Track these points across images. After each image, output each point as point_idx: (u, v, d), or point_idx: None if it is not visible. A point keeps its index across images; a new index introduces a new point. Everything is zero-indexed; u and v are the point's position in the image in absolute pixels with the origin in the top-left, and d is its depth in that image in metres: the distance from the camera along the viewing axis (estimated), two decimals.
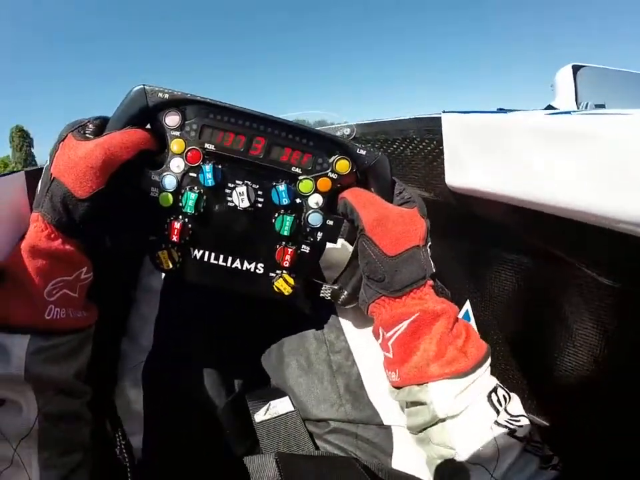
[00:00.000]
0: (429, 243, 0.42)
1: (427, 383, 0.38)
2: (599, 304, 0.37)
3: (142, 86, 0.41)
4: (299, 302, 0.49)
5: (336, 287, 0.47)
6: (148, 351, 0.51)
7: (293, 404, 0.49)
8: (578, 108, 0.61)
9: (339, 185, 0.44)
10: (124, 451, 0.44)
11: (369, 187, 0.44)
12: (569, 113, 0.34)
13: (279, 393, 0.51)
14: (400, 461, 0.46)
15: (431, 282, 0.41)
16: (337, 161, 0.43)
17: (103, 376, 0.51)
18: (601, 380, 0.39)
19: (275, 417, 0.48)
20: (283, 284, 0.45)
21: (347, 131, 0.64)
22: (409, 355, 0.39)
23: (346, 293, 0.47)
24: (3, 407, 0.36)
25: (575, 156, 0.33)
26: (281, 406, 0.49)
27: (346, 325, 0.51)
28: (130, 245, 0.47)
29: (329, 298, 0.48)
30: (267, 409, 0.49)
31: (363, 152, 0.43)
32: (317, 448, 0.47)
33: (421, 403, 0.39)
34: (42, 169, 0.43)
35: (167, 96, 0.41)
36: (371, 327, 0.49)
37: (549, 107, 0.41)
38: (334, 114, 0.66)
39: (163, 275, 0.55)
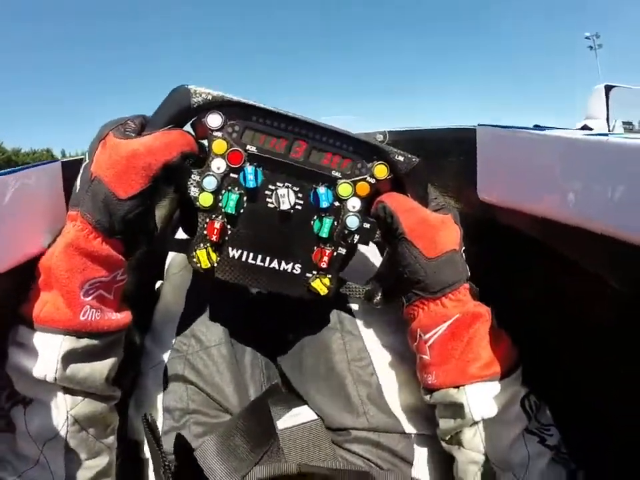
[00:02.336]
0: (464, 248, 0.43)
1: (465, 385, 0.39)
2: (624, 318, 0.38)
3: (186, 86, 0.41)
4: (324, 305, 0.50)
5: (369, 288, 0.48)
6: (170, 349, 0.51)
7: (315, 412, 0.49)
8: (608, 125, 0.62)
9: (376, 190, 0.45)
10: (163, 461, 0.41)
11: (405, 192, 0.45)
12: (606, 135, 0.35)
13: (301, 400, 0.51)
14: (421, 470, 0.46)
15: (467, 285, 0.41)
16: (376, 166, 0.44)
17: (128, 376, 0.51)
18: (623, 393, 0.40)
19: (299, 425, 0.47)
20: (320, 284, 0.46)
21: (380, 137, 0.64)
22: (447, 356, 0.40)
23: (380, 294, 0.47)
24: (31, 406, 0.36)
25: (609, 178, 0.34)
26: (305, 413, 0.49)
27: (365, 332, 0.51)
28: (164, 246, 0.48)
29: (362, 297, 0.49)
30: (290, 416, 0.48)
31: (400, 158, 0.44)
32: (338, 456, 0.46)
33: (457, 405, 0.39)
34: (78, 160, 0.43)
35: (210, 97, 0.41)
36: (389, 334, 0.51)
37: (585, 127, 0.42)
38: (358, 117, 0.67)
39: (190, 273, 0.56)
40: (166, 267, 0.61)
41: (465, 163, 0.53)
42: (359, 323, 0.52)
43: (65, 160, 0.48)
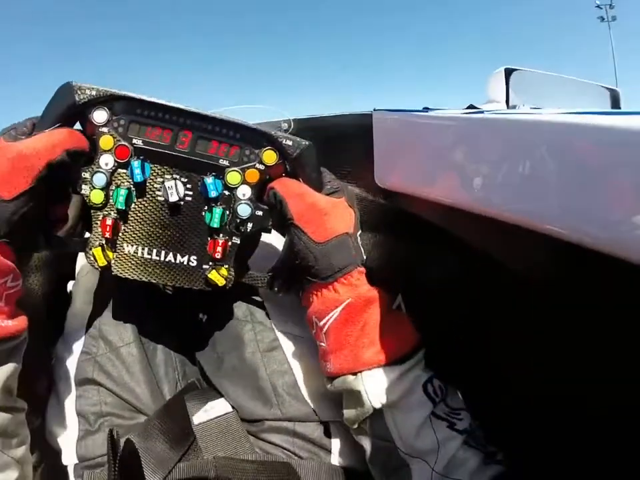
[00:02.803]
0: (359, 232, 0.43)
1: (361, 371, 0.38)
2: (523, 301, 0.39)
3: (70, 83, 0.40)
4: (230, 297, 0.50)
5: (269, 276, 0.48)
6: (79, 352, 0.51)
7: (230, 404, 0.49)
8: (508, 109, 0.64)
9: (267, 176, 0.44)
10: None
11: (297, 176, 0.44)
12: (481, 112, 0.34)
13: (217, 394, 0.50)
14: (340, 457, 0.46)
15: (362, 269, 0.41)
16: (264, 152, 0.43)
17: (43, 384, 0.51)
18: (537, 374, 0.41)
19: (213, 418, 0.47)
20: (217, 275, 0.45)
21: (285, 125, 0.63)
22: (342, 343, 0.40)
23: (280, 280, 0.47)
24: None
25: (486, 154, 0.33)
26: (219, 407, 0.49)
27: (276, 322, 0.51)
28: (63, 246, 0.47)
29: (265, 287, 0.48)
30: (206, 410, 0.48)
31: (289, 142, 0.43)
32: (256, 447, 0.47)
33: (355, 392, 0.39)
34: None
35: (94, 92, 0.41)
36: (298, 323, 0.50)
37: (470, 107, 0.41)
38: (272, 108, 0.66)
39: (97, 274, 0.54)
40: (77, 269, 0.59)
41: (364, 148, 0.52)
42: (270, 313, 0.52)
43: None
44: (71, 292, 0.59)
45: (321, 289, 0.41)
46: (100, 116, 0.42)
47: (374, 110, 0.50)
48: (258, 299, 0.52)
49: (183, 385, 0.54)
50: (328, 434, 0.47)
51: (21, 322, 0.40)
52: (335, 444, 0.46)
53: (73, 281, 0.59)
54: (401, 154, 0.46)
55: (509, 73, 0.81)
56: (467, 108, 0.42)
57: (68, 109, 0.41)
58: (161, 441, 0.44)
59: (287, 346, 0.50)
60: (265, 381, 0.48)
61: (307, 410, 0.47)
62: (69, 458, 0.47)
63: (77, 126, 0.43)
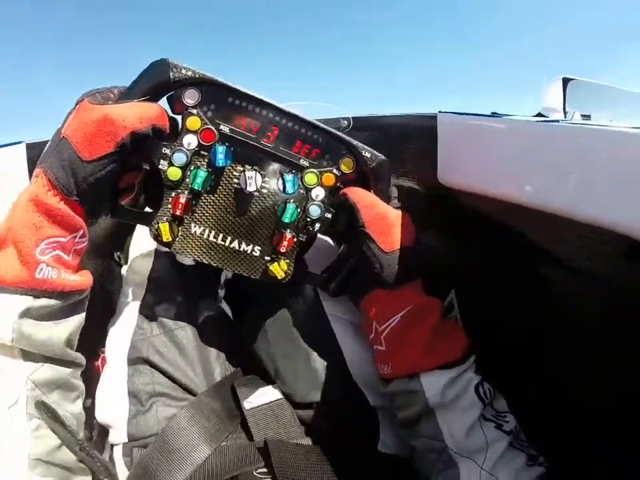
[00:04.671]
0: (418, 245, 0.45)
1: (419, 373, 0.40)
2: (590, 302, 0.39)
3: (165, 59, 0.41)
4: (286, 287, 0.50)
5: (325, 277, 0.50)
6: (132, 332, 0.51)
7: (281, 391, 0.50)
8: (565, 117, 0.65)
9: (340, 182, 0.46)
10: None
11: (368, 187, 0.46)
12: (557, 121, 0.36)
13: (267, 380, 0.52)
14: (386, 444, 0.47)
15: (419, 280, 0.44)
16: (343, 159, 0.45)
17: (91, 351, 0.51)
18: (586, 385, 0.42)
19: (264, 404, 0.48)
20: (277, 268, 0.46)
21: (345, 123, 0.64)
22: (401, 347, 0.42)
23: (334, 284, 0.49)
24: None
25: (560, 161, 0.35)
26: (270, 394, 0.50)
27: (328, 308, 0.52)
28: (126, 216, 0.47)
29: (319, 286, 0.50)
30: (257, 396, 0.49)
31: (367, 154, 0.45)
32: (307, 433, 0.47)
33: (412, 394, 0.41)
34: (44, 142, 0.42)
35: (190, 73, 0.41)
36: (350, 313, 0.52)
37: (539, 115, 0.43)
38: (332, 106, 0.67)
39: (152, 258, 0.56)
40: (130, 255, 0.59)
41: (425, 148, 0.53)
42: (323, 303, 0.53)
43: (29, 142, 0.47)
44: (122, 275, 0.60)
45: (384, 296, 0.43)
46: (192, 97, 0.42)
47: (439, 112, 0.52)
48: (311, 289, 0.53)
49: (233, 370, 0.55)
50: (376, 421, 0.48)
51: (86, 278, 0.41)
52: (383, 431, 0.47)
53: (126, 266, 0.60)
54: (467, 154, 0.47)
55: (566, 82, 0.82)
56: (536, 115, 0.43)
57: (160, 85, 0.41)
58: (211, 418, 0.45)
59: (338, 331, 0.51)
60: (318, 366, 0.49)
61: (357, 395, 0.48)
62: (119, 436, 0.47)
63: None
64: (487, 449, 0.38)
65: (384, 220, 0.43)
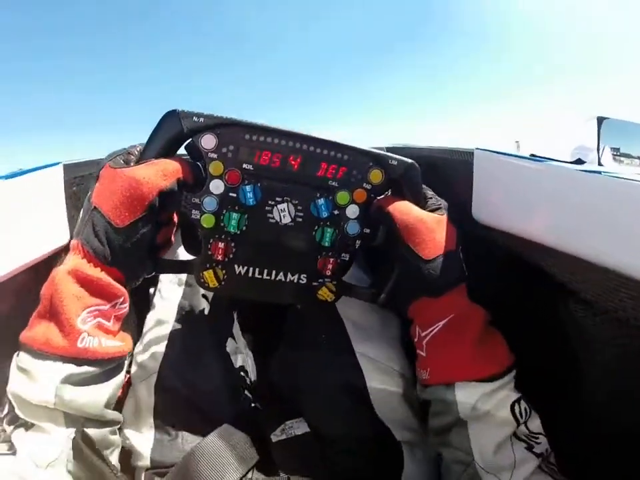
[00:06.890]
0: (460, 247, 0.44)
1: (455, 383, 0.40)
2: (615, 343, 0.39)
3: (175, 110, 0.41)
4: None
5: (374, 290, 0.49)
6: (160, 360, 0.52)
7: (307, 424, 0.49)
8: (599, 154, 0.66)
9: (372, 195, 0.46)
10: None
11: (401, 194, 0.46)
12: (599, 172, 0.37)
13: (292, 413, 0.51)
14: (410, 477, 0.46)
15: (464, 285, 0.43)
16: (371, 172, 0.45)
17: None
18: (620, 415, 0.41)
19: (291, 438, 0.47)
20: (326, 292, 0.47)
21: None
22: (440, 354, 0.42)
23: (383, 295, 0.48)
24: (32, 430, 0.36)
25: (600, 212, 0.36)
26: (297, 426, 0.49)
27: (356, 344, 0.52)
28: (170, 269, 0.48)
29: (369, 300, 0.50)
30: (283, 429, 0.48)
31: (394, 162, 0.45)
32: (331, 468, 0.46)
33: (446, 402, 0.40)
34: (81, 162, 0.43)
35: (202, 120, 0.41)
36: (380, 346, 0.52)
37: (579, 161, 0.43)
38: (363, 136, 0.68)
39: (181, 286, 0.57)
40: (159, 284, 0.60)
41: (460, 182, 0.54)
42: (350, 333, 0.53)
43: (66, 163, 0.48)
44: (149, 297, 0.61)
45: (427, 303, 0.42)
46: (209, 142, 0.42)
47: (476, 148, 0.52)
48: (338, 323, 0.53)
49: (259, 401, 0.54)
50: (400, 454, 0.47)
51: (126, 343, 0.41)
52: (407, 464, 0.46)
53: (153, 287, 0.61)
54: (502, 193, 0.48)
55: (600, 121, 0.82)
56: (575, 162, 0.44)
57: (174, 138, 0.42)
58: (237, 447, 0.44)
59: (364, 364, 0.50)
60: (342, 399, 0.49)
61: (382, 429, 0.47)
62: (142, 461, 0.47)
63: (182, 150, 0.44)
64: (514, 469, 0.37)
65: (422, 226, 0.42)
